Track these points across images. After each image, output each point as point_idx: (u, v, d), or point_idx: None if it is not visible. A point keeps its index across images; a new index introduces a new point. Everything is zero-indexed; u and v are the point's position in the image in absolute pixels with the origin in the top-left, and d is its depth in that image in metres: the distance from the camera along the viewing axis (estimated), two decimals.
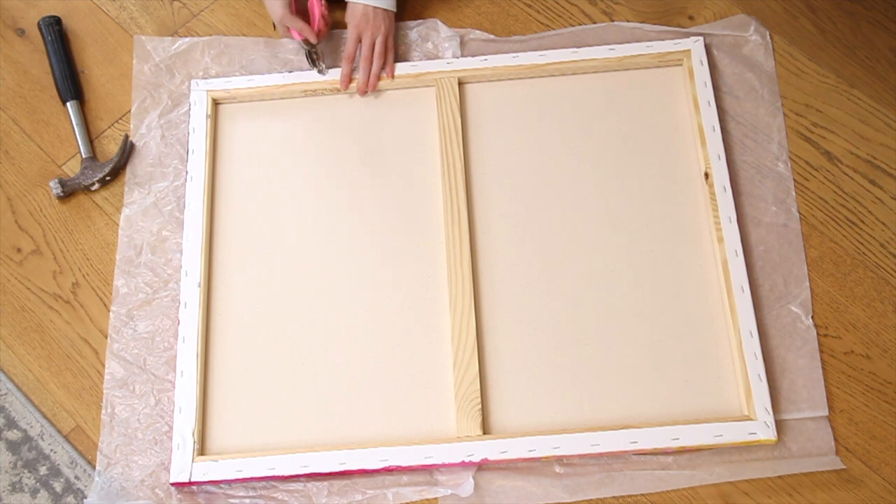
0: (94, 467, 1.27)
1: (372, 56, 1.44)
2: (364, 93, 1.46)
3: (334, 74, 1.46)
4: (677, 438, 1.20)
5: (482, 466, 1.23)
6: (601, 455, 1.22)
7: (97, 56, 1.55)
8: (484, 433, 1.23)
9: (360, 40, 1.44)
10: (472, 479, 1.22)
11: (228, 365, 1.31)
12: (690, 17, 1.51)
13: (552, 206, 1.38)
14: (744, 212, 1.36)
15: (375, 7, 1.42)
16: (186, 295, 1.33)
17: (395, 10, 1.46)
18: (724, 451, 1.22)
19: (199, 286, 1.33)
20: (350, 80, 1.46)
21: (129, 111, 1.49)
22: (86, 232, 1.42)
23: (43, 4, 1.59)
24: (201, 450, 1.25)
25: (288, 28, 1.45)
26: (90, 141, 1.47)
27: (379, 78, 1.45)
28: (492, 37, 1.50)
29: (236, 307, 1.34)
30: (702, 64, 1.43)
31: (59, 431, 1.30)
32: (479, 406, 1.24)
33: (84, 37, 1.56)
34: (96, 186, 1.43)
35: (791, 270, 1.33)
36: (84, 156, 1.44)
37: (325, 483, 1.24)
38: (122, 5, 1.58)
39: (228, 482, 1.23)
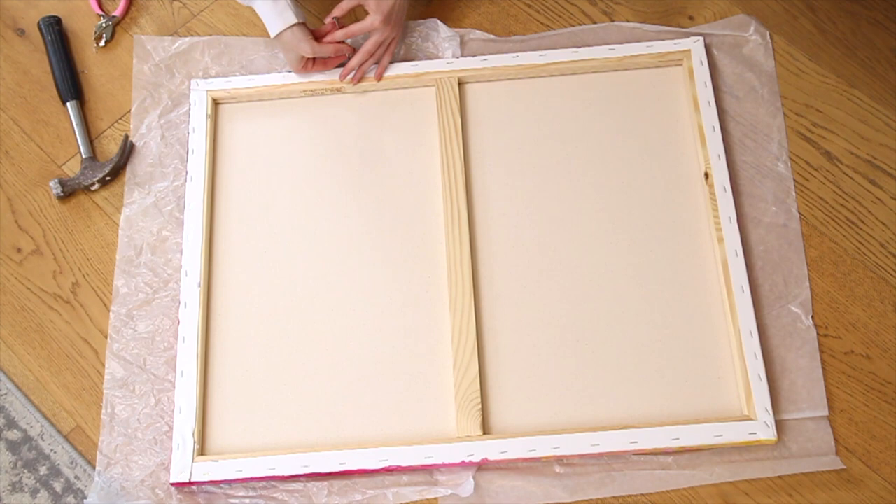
0: (94, 467, 1.27)
1: (370, 52, 1.42)
2: (343, 78, 1.45)
3: (334, 74, 1.46)
4: (677, 438, 1.20)
5: (482, 466, 1.23)
6: (601, 455, 1.21)
7: (97, 56, 1.55)
8: (484, 433, 1.23)
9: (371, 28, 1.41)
10: (472, 479, 1.22)
11: (228, 365, 1.31)
12: (690, 17, 1.51)
13: (552, 206, 1.38)
14: (744, 212, 1.36)
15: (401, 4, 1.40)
16: (186, 295, 1.33)
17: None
18: (724, 451, 1.22)
19: (199, 286, 1.33)
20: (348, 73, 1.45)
21: (129, 111, 1.49)
22: (86, 232, 1.42)
23: (43, 4, 1.59)
24: (201, 450, 1.25)
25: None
26: (90, 141, 1.47)
27: (363, 76, 1.45)
28: (492, 37, 1.50)
29: (236, 307, 1.34)
30: (702, 64, 1.43)
31: (59, 431, 1.30)
32: (479, 406, 1.24)
33: (84, 37, 1.56)
34: (96, 186, 1.43)
35: (791, 270, 1.33)
36: (84, 156, 1.44)
37: (325, 483, 1.24)
38: None
39: (228, 482, 1.23)
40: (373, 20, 1.39)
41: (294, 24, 1.37)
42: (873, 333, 1.30)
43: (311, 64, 1.44)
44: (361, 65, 1.43)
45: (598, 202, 1.37)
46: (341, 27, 1.42)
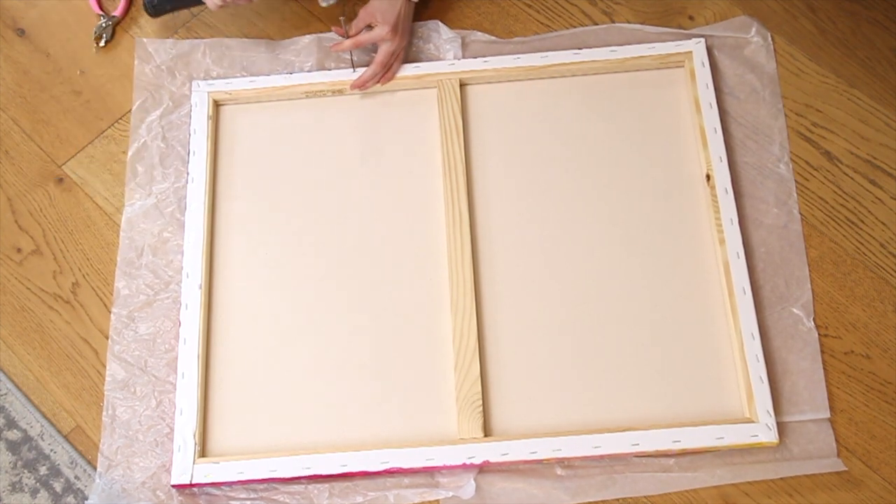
0: (94, 467, 1.27)
1: (384, 63, 1.42)
2: (354, 88, 1.44)
3: (342, 75, 1.46)
4: (679, 440, 1.20)
5: (483, 468, 1.23)
6: (603, 457, 1.22)
7: (97, 56, 1.54)
8: (485, 435, 1.23)
9: (375, 33, 1.40)
10: (473, 481, 1.22)
11: (229, 367, 1.30)
12: (691, 18, 1.51)
13: (553, 208, 1.37)
14: (745, 213, 1.36)
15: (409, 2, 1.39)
16: (187, 296, 1.33)
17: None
18: (725, 454, 1.23)
19: (200, 288, 1.33)
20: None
21: (130, 111, 1.49)
22: (86, 232, 1.42)
23: (43, 4, 1.58)
24: (202, 451, 1.25)
25: None
26: None
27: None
28: (493, 38, 1.50)
29: (237, 309, 1.34)
30: (703, 65, 1.42)
31: (59, 431, 1.30)
32: (481, 408, 1.24)
33: (84, 37, 1.56)
34: None
35: (792, 272, 1.33)
36: None
37: (327, 485, 1.24)
38: None
39: (229, 484, 1.23)
40: (381, 31, 1.39)
41: None
42: (873, 333, 1.30)
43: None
44: (375, 76, 1.43)
45: (600, 204, 1.37)
46: (350, 36, 1.41)
